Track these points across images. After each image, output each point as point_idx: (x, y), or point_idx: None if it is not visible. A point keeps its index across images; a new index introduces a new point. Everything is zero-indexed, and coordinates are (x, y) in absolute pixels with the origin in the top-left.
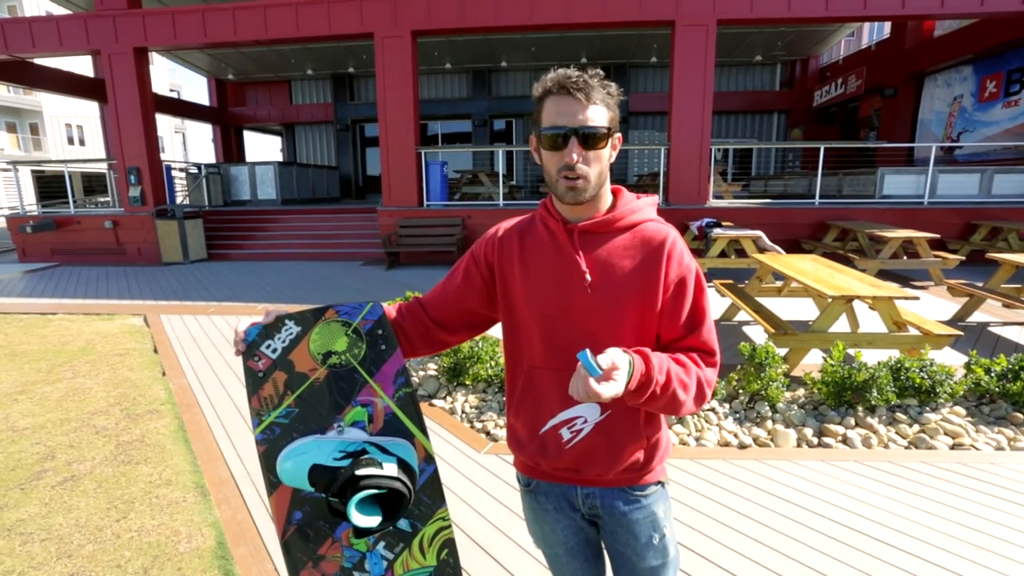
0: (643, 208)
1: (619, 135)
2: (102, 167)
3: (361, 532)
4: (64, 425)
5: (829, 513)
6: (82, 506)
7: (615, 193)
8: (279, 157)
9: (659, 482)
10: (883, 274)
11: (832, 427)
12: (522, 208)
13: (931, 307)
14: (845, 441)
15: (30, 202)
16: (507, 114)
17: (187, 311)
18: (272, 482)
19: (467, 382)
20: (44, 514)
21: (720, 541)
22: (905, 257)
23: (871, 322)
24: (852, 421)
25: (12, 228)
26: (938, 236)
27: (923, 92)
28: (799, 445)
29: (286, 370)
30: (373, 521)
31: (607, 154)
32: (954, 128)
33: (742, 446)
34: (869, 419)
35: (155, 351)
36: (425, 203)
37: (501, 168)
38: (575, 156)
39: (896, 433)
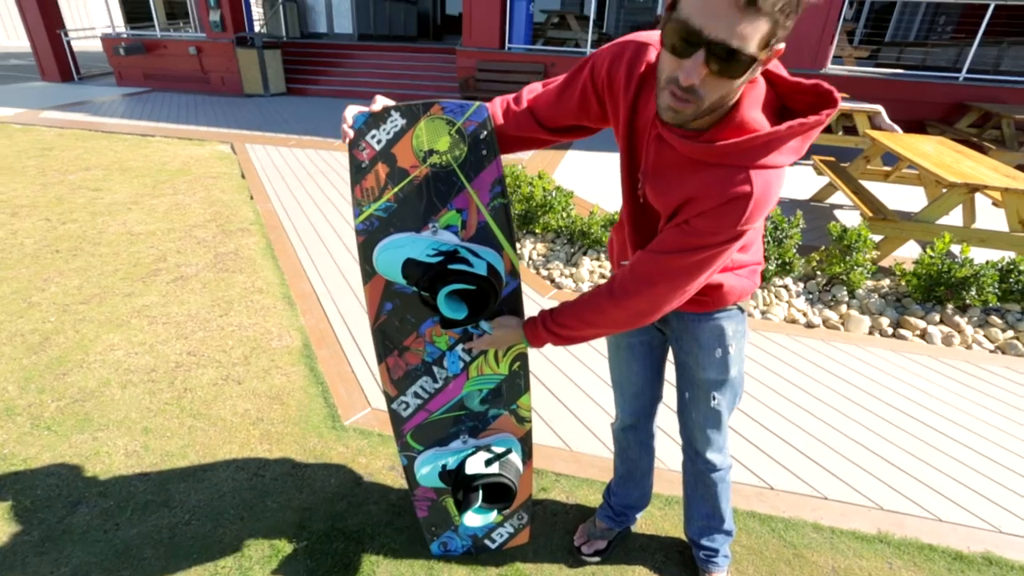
0: (754, 151)
1: (777, 48)
2: None
3: (448, 322)
4: (171, 234)
5: (889, 399)
6: (192, 301)
7: (740, 106)
8: None
9: (736, 305)
10: (1022, 170)
11: (913, 320)
12: None
13: None
14: (923, 336)
15: (119, 23)
16: None
17: (269, 142)
18: (368, 271)
19: (537, 230)
20: (163, 303)
21: (774, 408)
22: None
23: (990, 221)
24: (937, 318)
25: (107, 49)
26: None
27: None
28: (871, 333)
29: (388, 163)
30: (459, 314)
31: (744, 79)
32: None
33: (809, 325)
34: (957, 318)
35: (242, 176)
36: (507, 46)
37: (592, 12)
38: (695, 78)
39: (984, 336)
